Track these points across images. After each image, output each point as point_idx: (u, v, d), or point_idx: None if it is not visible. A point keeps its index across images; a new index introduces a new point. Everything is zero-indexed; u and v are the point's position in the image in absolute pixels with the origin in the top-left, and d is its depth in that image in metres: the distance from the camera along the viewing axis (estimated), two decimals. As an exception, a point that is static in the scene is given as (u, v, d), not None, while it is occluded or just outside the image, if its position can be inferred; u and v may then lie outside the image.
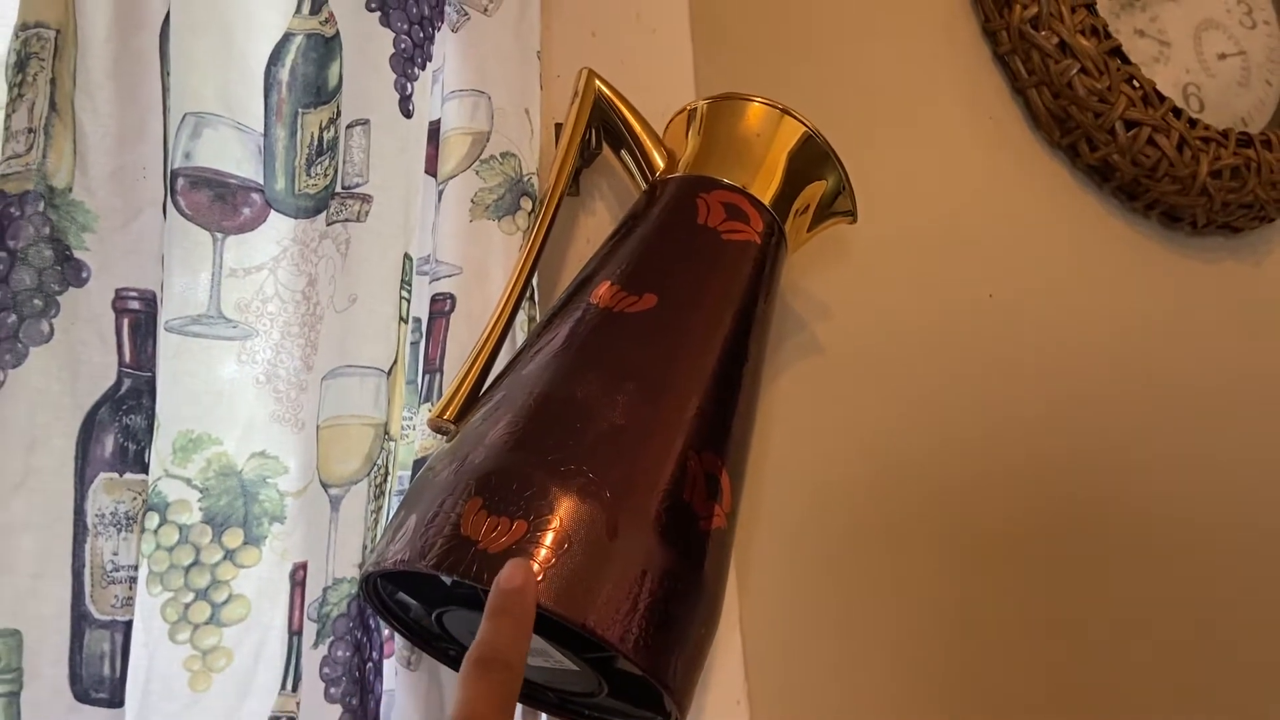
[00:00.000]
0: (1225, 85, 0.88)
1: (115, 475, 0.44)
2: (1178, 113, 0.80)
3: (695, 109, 0.57)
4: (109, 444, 0.44)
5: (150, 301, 0.46)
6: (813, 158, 0.56)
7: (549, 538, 0.39)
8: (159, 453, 0.45)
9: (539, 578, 0.38)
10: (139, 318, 0.45)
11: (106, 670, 0.43)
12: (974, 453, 0.71)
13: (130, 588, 0.44)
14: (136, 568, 0.44)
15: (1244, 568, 0.81)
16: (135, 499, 0.44)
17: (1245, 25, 0.91)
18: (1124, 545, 0.76)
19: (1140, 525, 0.77)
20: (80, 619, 0.43)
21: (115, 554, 0.44)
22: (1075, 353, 0.78)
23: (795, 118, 0.56)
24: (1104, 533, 0.75)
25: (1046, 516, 0.72)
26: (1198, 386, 0.83)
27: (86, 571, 0.43)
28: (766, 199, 0.54)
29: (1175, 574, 0.77)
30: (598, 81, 0.56)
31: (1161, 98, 0.79)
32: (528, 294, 0.53)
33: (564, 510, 0.40)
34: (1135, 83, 0.78)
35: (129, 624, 0.43)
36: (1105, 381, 0.79)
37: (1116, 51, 0.78)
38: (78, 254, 0.45)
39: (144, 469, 0.45)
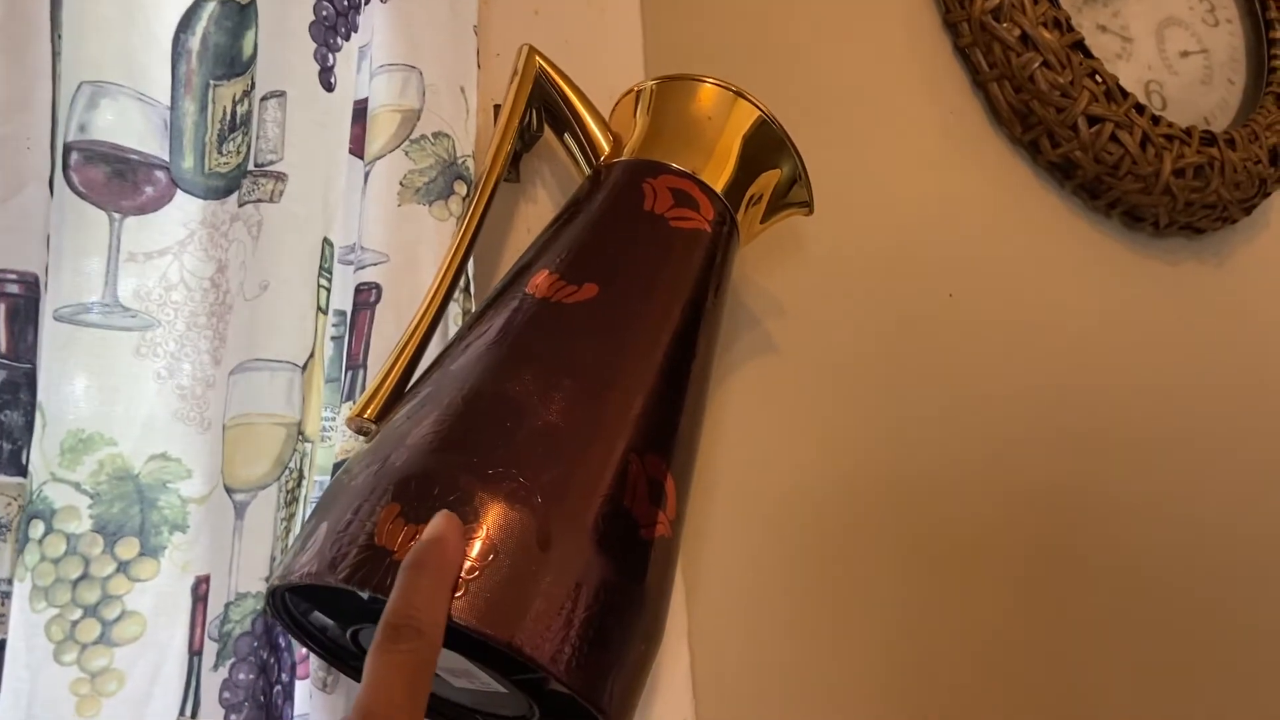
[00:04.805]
0: (1187, 84, 0.86)
1: (-12, 478, 0.40)
2: (1140, 109, 0.78)
3: (643, 90, 0.54)
4: (-19, 443, 0.40)
5: (32, 285, 0.41)
6: (767, 144, 0.53)
7: (473, 548, 0.35)
8: (44, 454, 0.41)
9: (460, 592, 0.34)
10: (18, 303, 0.41)
11: (-25, 695, 0.39)
12: (933, 456, 0.68)
13: (4, 603, 0.39)
14: (10, 581, 0.40)
15: (1212, 567, 0.79)
16: (10, 504, 0.40)
17: (1208, 23, 0.89)
18: (1087, 547, 0.73)
19: (1102, 524, 0.75)
20: (-55, 639, 0.38)
21: (-13, 565, 0.39)
22: (1036, 353, 0.76)
23: (749, 101, 0.52)
24: (1068, 534, 0.73)
25: (1010, 520, 0.70)
26: (1159, 387, 0.81)
27: (-49, 586, 0.39)
28: (718, 186, 0.51)
29: (1139, 574, 0.75)
30: (539, 59, 0.53)
31: (1124, 94, 0.77)
32: (460, 285, 0.49)
33: (490, 517, 0.36)
34: (1098, 78, 0.76)
35: (2, 643, 0.39)
36: (1067, 383, 0.76)
37: (1079, 45, 0.76)
38: (-52, 232, 0.40)
39: (21, 471, 0.40)
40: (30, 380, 0.40)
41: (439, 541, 0.34)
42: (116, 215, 0.43)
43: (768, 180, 0.53)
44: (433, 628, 0.32)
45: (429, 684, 0.33)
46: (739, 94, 0.52)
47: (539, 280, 0.45)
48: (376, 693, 0.31)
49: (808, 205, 0.56)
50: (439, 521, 0.35)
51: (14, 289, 0.40)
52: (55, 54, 0.43)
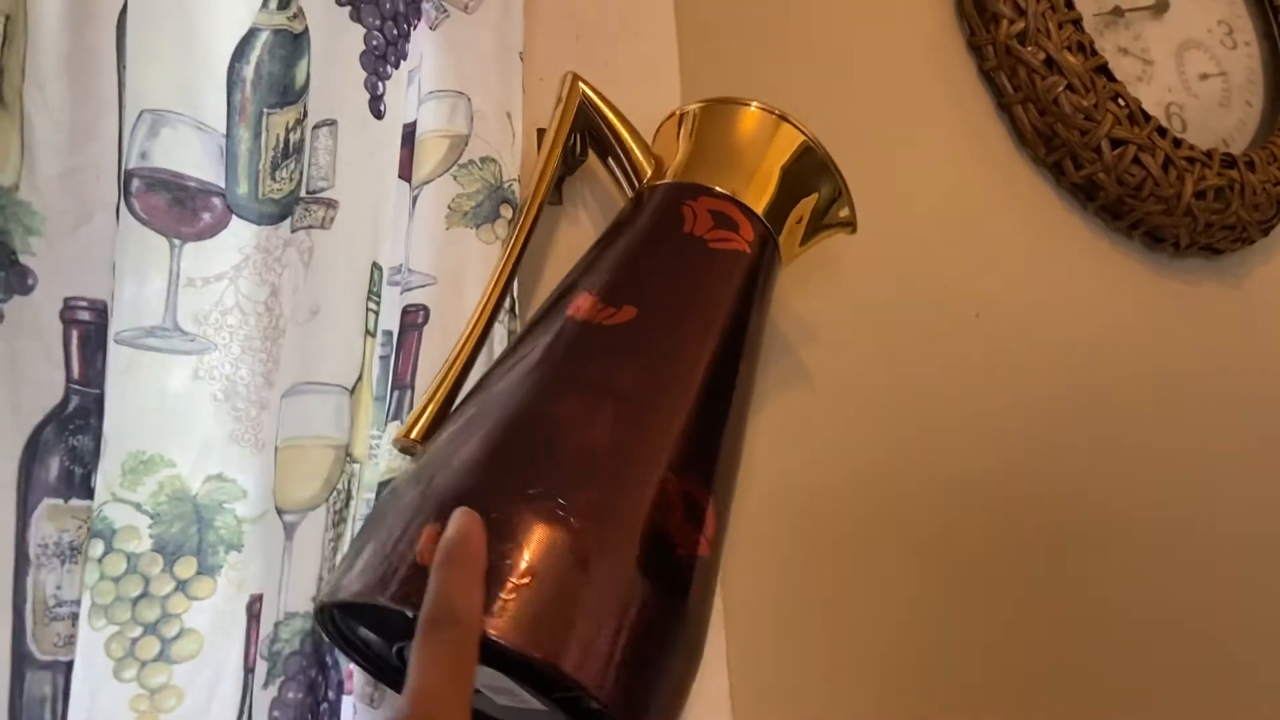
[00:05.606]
0: (1207, 106, 0.87)
1: (60, 501, 0.40)
2: (1163, 132, 0.79)
3: (686, 113, 0.55)
4: (54, 467, 0.40)
5: (102, 312, 0.42)
6: (809, 166, 0.53)
7: (512, 569, 0.36)
8: (105, 474, 0.42)
9: (499, 612, 0.35)
10: (89, 329, 0.42)
11: (48, 715, 0.40)
12: (964, 475, 0.69)
13: (74, 625, 0.40)
14: (79, 603, 0.40)
15: (1227, 580, 0.80)
16: (81, 528, 0.41)
17: (1226, 46, 0.90)
18: (1109, 560, 0.74)
19: (1123, 540, 0.76)
20: (21, 659, 0.39)
21: (59, 588, 0.40)
22: (1059, 372, 0.76)
23: (791, 124, 0.53)
24: (1091, 550, 0.74)
25: (1040, 539, 0.71)
26: (1178, 406, 0.82)
27: (28, 607, 0.39)
28: (759, 207, 0.51)
29: (1157, 586, 0.76)
30: (582, 85, 0.54)
31: (1147, 117, 0.78)
32: (506, 306, 0.50)
33: (529, 538, 0.37)
34: (1121, 101, 0.77)
35: (72, 664, 0.40)
36: (1088, 401, 0.77)
37: (1103, 69, 0.77)
38: (23, 259, 0.41)
39: (91, 495, 0.41)
40: (100, 406, 0.41)
41: (463, 537, 0.35)
42: (176, 241, 0.44)
43: (809, 203, 0.54)
44: (469, 616, 0.33)
45: (471, 670, 0.33)
46: (782, 117, 0.53)
47: (580, 303, 0.46)
48: (423, 679, 0.32)
49: (851, 225, 0.56)
50: (459, 518, 0.36)
51: (85, 315, 0.41)
52: (120, 84, 0.44)
